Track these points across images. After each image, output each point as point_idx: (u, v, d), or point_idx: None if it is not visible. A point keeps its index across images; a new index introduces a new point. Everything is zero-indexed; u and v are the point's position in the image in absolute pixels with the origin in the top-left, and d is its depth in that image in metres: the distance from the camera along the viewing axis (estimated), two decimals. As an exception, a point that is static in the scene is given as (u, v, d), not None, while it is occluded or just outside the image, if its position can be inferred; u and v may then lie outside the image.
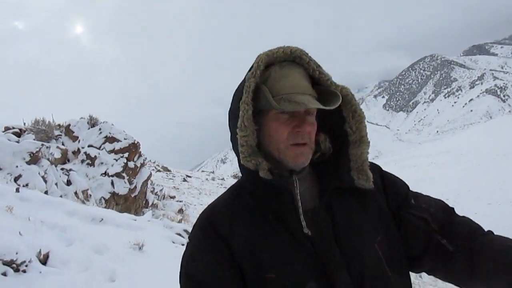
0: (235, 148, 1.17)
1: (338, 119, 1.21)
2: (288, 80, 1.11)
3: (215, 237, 1.11)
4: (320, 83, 1.16)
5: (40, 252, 4.01)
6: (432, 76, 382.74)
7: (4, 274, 3.32)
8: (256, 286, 1.08)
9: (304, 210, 1.11)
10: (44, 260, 4.04)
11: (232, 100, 1.19)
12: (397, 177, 1.31)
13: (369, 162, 1.22)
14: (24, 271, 3.52)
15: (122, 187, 10.44)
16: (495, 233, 1.22)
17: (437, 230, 1.18)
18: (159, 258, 4.78)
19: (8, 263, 3.40)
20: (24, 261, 3.55)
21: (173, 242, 6.10)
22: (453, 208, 1.26)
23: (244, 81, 1.15)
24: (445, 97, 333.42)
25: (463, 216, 1.24)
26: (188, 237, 1.20)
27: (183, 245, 6.04)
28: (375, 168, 1.27)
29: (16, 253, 3.48)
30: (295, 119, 1.11)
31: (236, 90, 1.19)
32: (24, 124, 12.50)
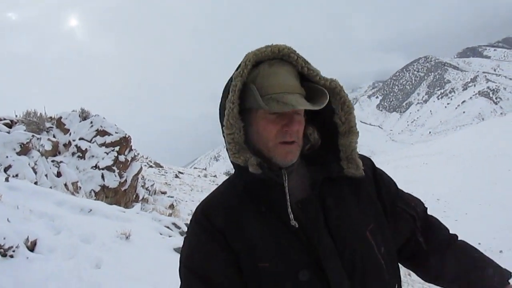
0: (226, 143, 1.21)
1: (327, 110, 1.22)
2: (276, 78, 1.12)
3: (211, 229, 1.15)
4: (309, 79, 1.18)
5: (27, 239, 4.08)
6: (425, 78, 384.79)
7: (-9, 258, 3.40)
8: (251, 275, 1.12)
9: (295, 201, 1.14)
10: (31, 247, 4.11)
11: (221, 97, 1.21)
12: (386, 173, 1.38)
13: (361, 154, 1.28)
14: (11, 256, 3.59)
15: (112, 180, 10.51)
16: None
17: (419, 229, 1.32)
18: (145, 248, 4.87)
19: (-5, 248, 3.47)
20: (12, 247, 3.62)
21: (161, 234, 6.18)
22: (427, 208, 1.41)
23: (231, 79, 1.16)
24: (438, 99, 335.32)
25: (432, 216, 1.41)
26: (186, 232, 1.26)
27: (170, 236, 6.13)
28: (367, 160, 1.32)
29: (4, 239, 3.55)
30: (283, 117, 1.13)
31: (225, 87, 1.21)
32: (16, 116, 12.51)
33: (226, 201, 1.20)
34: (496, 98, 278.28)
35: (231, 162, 1.19)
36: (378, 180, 1.31)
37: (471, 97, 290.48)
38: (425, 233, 1.33)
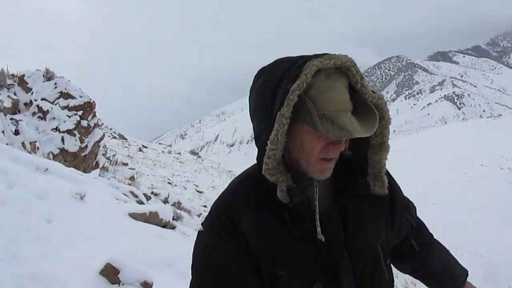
0: (257, 143, 1.15)
1: None
2: (332, 94, 1.06)
3: (233, 229, 1.13)
4: (358, 93, 1.13)
5: (-22, 189, 4.01)
6: (396, 77, 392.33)
7: None
8: (267, 280, 1.12)
9: (320, 213, 1.13)
10: (-19, 198, 4.04)
11: (258, 96, 1.14)
12: (396, 182, 1.38)
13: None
14: (-42, 204, 3.53)
15: (72, 144, 10.31)
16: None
17: (413, 233, 1.42)
18: (99, 209, 4.87)
19: None
20: (-40, 194, 3.56)
21: (117, 199, 6.17)
22: (416, 208, 1.50)
23: (280, 78, 1.08)
24: (406, 99, 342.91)
25: (418, 217, 1.49)
26: (202, 225, 1.21)
27: (126, 202, 6.12)
28: (387, 174, 1.29)
29: (-48, 185, 3.49)
30: None
31: (261, 86, 1.13)
32: (-25, 70, 11.99)
33: (248, 201, 1.16)
34: (460, 104, 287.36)
35: (259, 156, 1.15)
36: (394, 193, 1.31)
37: (436, 100, 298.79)
38: (417, 236, 1.43)
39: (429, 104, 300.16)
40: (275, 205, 1.12)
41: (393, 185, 1.31)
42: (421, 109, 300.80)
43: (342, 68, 1.09)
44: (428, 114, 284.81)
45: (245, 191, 1.19)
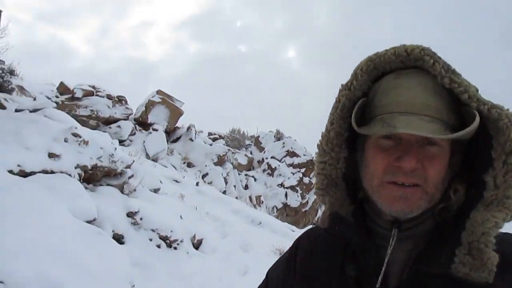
0: None
1: (486, 160, 0.79)
2: (398, 94, 0.79)
3: (292, 260, 1.04)
4: (454, 92, 0.78)
5: (194, 236, 4.66)
6: None
7: (158, 246, 4.01)
8: None
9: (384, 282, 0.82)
10: (197, 245, 4.68)
11: None
12: None
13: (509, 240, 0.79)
14: (175, 248, 4.16)
15: (294, 200, 11.05)
16: None
17: None
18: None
19: (163, 238, 4.08)
20: (177, 240, 4.20)
21: (321, 258, 6.20)
22: None
23: None
24: None
25: None
26: None
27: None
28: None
29: (171, 231, 4.15)
30: (399, 147, 0.78)
31: None
32: (227, 132, 14.37)
33: (320, 238, 0.98)
34: None
35: None
36: None
37: None
38: None
39: None
40: (344, 254, 0.89)
41: None
42: None
43: (418, 62, 0.80)
44: None
45: (328, 227, 1.01)
